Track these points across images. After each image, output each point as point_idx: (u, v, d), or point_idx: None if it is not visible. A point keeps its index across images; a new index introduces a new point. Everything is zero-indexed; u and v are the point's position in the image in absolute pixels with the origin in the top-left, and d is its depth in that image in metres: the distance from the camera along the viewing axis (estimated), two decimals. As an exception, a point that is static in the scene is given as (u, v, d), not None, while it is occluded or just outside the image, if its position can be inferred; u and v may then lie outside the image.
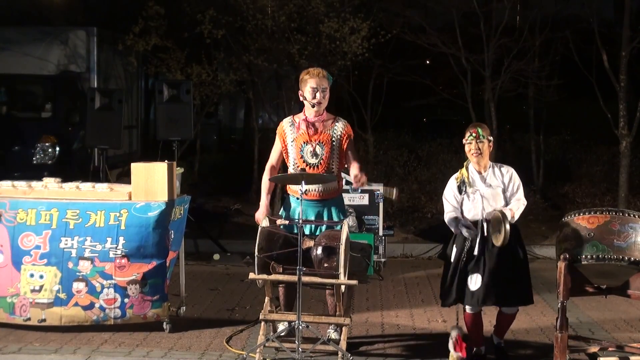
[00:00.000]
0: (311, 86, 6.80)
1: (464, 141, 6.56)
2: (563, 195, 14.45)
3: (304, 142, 6.83)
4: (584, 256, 6.12)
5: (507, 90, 14.62)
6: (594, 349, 6.66)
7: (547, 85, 15.28)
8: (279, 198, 11.30)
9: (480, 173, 6.52)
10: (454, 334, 6.34)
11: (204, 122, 16.52)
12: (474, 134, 6.50)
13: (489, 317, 7.11)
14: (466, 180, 6.50)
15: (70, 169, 12.00)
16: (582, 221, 6.27)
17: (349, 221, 6.76)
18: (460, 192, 6.51)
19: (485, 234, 6.37)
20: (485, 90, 14.14)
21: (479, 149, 6.48)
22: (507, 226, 6.13)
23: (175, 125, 11.02)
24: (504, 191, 6.48)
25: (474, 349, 6.62)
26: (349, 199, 10.13)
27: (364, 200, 10.29)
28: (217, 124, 22.39)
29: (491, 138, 6.59)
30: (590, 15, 13.74)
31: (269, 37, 13.31)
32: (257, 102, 15.47)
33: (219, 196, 14.38)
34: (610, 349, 6.67)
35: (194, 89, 12.16)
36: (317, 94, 6.79)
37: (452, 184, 6.60)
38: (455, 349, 6.30)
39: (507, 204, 6.45)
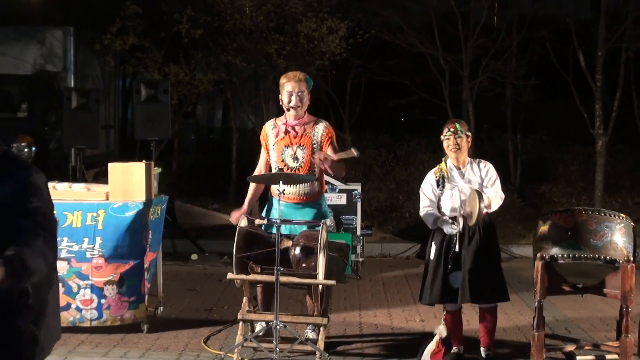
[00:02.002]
0: (287, 90, 6.80)
1: (442, 137, 6.56)
2: (540, 195, 14.52)
3: (285, 146, 6.83)
4: (560, 255, 6.15)
5: (484, 90, 14.68)
6: (570, 347, 6.70)
7: (524, 85, 15.34)
8: (263, 200, 11.29)
9: (458, 169, 6.52)
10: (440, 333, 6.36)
11: (181, 122, 16.47)
12: (452, 130, 6.50)
13: (467, 317, 7.13)
14: (445, 174, 6.51)
15: (47, 169, 11.91)
16: (559, 220, 6.30)
17: (327, 221, 6.76)
18: (438, 186, 6.51)
19: (461, 229, 6.38)
20: (463, 90, 14.18)
21: (458, 144, 6.48)
22: (482, 204, 6.14)
23: (152, 125, 10.98)
24: (482, 186, 6.49)
25: (453, 347, 6.63)
26: (327, 198, 10.11)
27: (342, 200, 10.29)
28: (195, 124, 22.33)
29: (469, 133, 6.59)
30: (566, 16, 13.83)
31: (247, 37, 13.29)
32: (235, 101, 15.45)
33: (197, 196, 14.35)
34: (586, 347, 6.72)
35: (171, 88, 12.13)
36: (293, 98, 6.77)
37: (430, 178, 6.59)
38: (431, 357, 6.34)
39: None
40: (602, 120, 12.94)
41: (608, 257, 6.07)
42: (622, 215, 6.31)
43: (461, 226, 6.38)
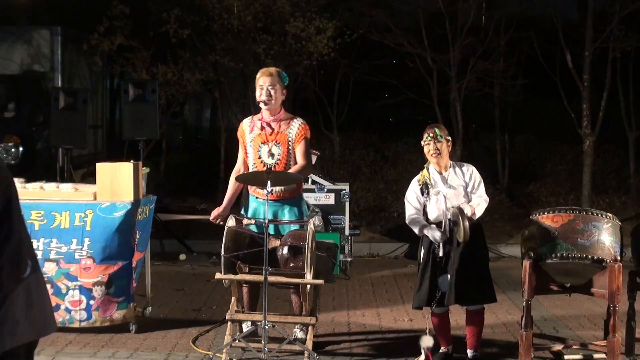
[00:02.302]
0: (259, 85, 6.80)
1: (422, 143, 6.55)
2: (528, 194, 14.55)
3: (262, 143, 6.82)
4: (548, 255, 6.17)
5: (472, 90, 14.70)
6: (558, 347, 6.72)
7: (512, 85, 15.38)
8: (244, 197, 11.27)
9: (441, 173, 6.50)
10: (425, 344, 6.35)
11: (169, 122, 16.47)
12: (431, 135, 6.49)
13: (455, 317, 7.14)
14: (428, 181, 6.50)
15: (34, 169, 11.90)
16: (547, 220, 6.31)
17: (315, 220, 6.76)
18: (422, 193, 6.50)
19: (449, 234, 6.38)
20: (451, 90, 14.20)
21: (438, 149, 6.47)
22: (466, 222, 6.13)
23: (140, 125, 10.96)
24: (466, 189, 6.49)
25: (441, 348, 6.64)
26: (315, 198, 10.14)
27: (330, 199, 10.30)
28: (183, 124, 22.33)
29: (449, 138, 6.58)
30: (554, 16, 13.86)
31: (235, 37, 13.28)
32: (223, 101, 15.44)
33: (185, 196, 14.33)
34: (574, 346, 6.74)
35: (159, 88, 12.09)
36: (263, 92, 6.76)
37: (414, 186, 6.57)
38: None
39: (469, 201, 6.46)
40: (589, 120, 12.98)
41: (595, 257, 6.09)
42: (609, 214, 6.33)
43: (447, 231, 6.37)
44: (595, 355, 6.56)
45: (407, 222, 6.59)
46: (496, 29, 14.43)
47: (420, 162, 14.41)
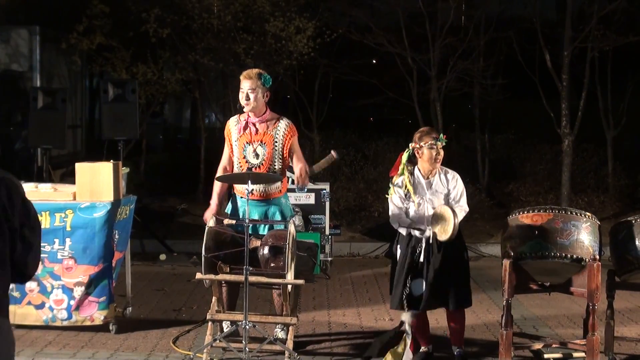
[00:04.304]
0: (240, 88, 6.84)
1: (423, 144, 6.38)
2: (508, 194, 14.60)
3: (247, 143, 6.84)
4: (528, 254, 6.20)
5: (452, 89, 14.75)
6: (538, 345, 6.75)
7: (492, 85, 15.44)
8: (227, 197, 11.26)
9: (427, 178, 6.44)
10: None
11: (149, 122, 16.36)
12: (439, 139, 6.39)
13: (436, 316, 7.16)
14: (410, 190, 6.42)
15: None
16: (526, 219, 6.34)
17: (296, 220, 6.76)
18: (406, 197, 6.44)
19: (431, 241, 6.35)
20: (431, 89, 14.23)
21: (440, 154, 6.42)
22: (457, 221, 6.14)
23: (120, 124, 10.93)
24: (447, 197, 6.45)
25: (421, 348, 6.65)
26: (295, 198, 10.13)
27: (310, 199, 10.30)
28: (163, 124, 22.21)
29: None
30: (533, 16, 13.92)
31: (215, 36, 13.25)
32: (203, 101, 15.41)
33: (165, 196, 14.28)
34: (553, 345, 6.77)
35: (139, 88, 12.06)
36: (243, 96, 6.81)
37: (397, 189, 6.50)
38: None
39: None
40: (568, 119, 13.05)
41: (575, 256, 6.12)
42: (588, 214, 6.37)
43: (430, 237, 6.34)
44: (575, 354, 6.60)
45: (390, 218, 6.54)
46: (476, 29, 14.49)
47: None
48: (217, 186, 7.05)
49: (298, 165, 6.83)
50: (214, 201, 7.01)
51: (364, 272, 10.50)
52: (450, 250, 6.33)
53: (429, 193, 6.42)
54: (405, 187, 6.42)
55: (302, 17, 13.12)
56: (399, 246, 6.49)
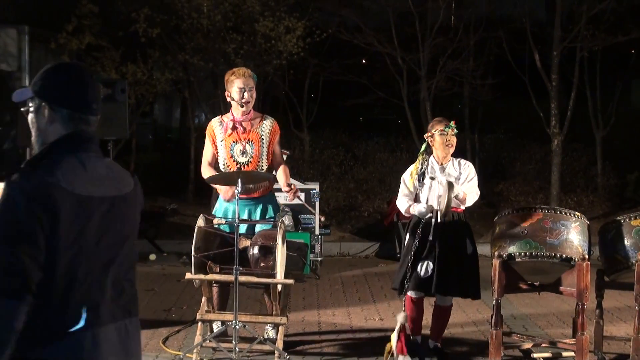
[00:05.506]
0: (238, 86, 6.80)
1: (434, 132, 6.54)
2: (497, 194, 14.63)
3: (234, 142, 6.82)
4: (517, 253, 6.21)
5: (442, 89, 14.78)
6: (527, 345, 6.76)
7: (481, 85, 15.47)
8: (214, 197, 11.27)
9: (441, 164, 6.57)
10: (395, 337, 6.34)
11: (139, 122, 16.35)
12: (450, 126, 6.54)
13: (426, 314, 7.16)
14: (425, 171, 6.53)
15: (1, 169, 11.79)
16: (516, 219, 6.36)
17: (286, 220, 6.75)
18: (419, 179, 6.54)
19: (440, 220, 6.41)
20: (421, 89, 14.25)
21: (452, 141, 6.54)
22: (451, 194, 6.18)
23: (110, 124, 10.88)
24: (458, 181, 6.51)
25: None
26: (285, 197, 10.10)
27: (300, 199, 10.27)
28: (152, 123, 22.21)
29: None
30: (522, 16, 13.96)
31: (205, 36, 13.25)
32: (193, 101, 15.40)
33: (155, 196, 14.26)
34: (543, 344, 6.79)
35: (129, 88, 12.01)
36: (245, 94, 6.78)
37: (412, 169, 6.63)
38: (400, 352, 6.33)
39: None
40: (557, 119, 13.08)
41: (564, 255, 6.14)
42: (577, 213, 6.39)
43: (437, 218, 6.41)
44: (564, 353, 6.61)
45: (397, 201, 6.66)
46: (465, 29, 14.51)
47: (390, 162, 14.51)
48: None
49: (282, 172, 6.85)
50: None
51: (354, 272, 10.50)
52: (457, 241, 6.40)
53: (441, 175, 6.50)
54: (417, 168, 6.56)
55: (292, 16, 13.12)
56: (408, 233, 6.59)
